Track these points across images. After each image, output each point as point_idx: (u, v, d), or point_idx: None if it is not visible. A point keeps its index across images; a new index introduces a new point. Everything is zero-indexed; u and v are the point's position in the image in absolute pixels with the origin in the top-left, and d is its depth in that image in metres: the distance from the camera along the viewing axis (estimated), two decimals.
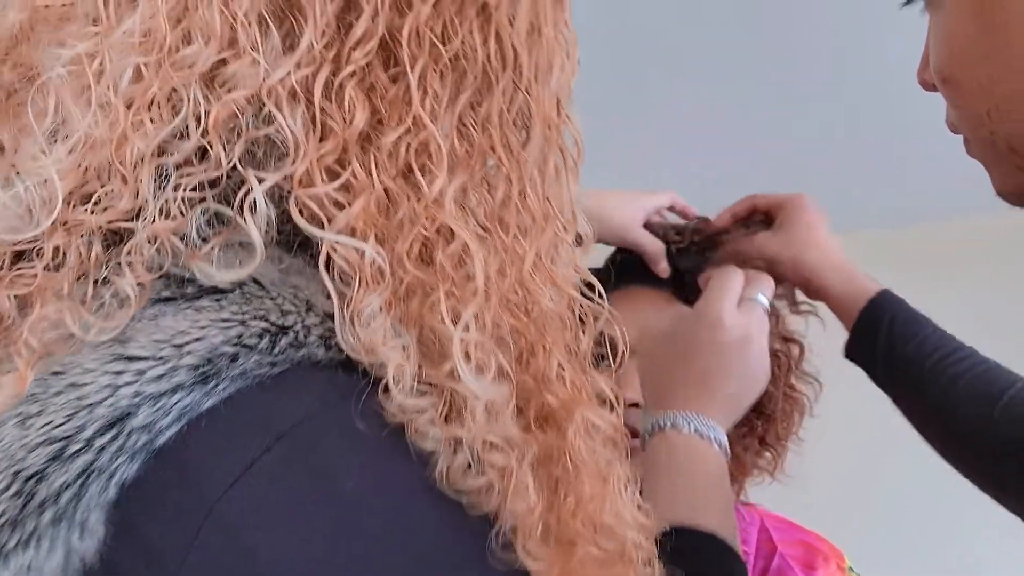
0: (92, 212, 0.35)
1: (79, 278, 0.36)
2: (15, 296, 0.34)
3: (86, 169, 0.36)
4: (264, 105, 0.37)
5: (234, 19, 0.37)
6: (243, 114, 0.37)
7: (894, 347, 0.78)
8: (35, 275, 0.34)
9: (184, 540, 0.32)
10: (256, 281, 0.37)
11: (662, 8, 1.64)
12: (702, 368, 0.65)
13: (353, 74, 0.38)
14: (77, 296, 0.35)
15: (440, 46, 0.39)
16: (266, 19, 0.38)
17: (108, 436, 0.32)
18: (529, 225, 0.41)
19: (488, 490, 0.37)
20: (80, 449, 0.32)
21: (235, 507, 0.32)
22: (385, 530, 0.34)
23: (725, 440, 0.62)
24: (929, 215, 2.35)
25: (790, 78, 1.87)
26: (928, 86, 0.62)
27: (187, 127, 0.37)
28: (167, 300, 0.36)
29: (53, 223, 0.35)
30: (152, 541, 0.32)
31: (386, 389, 0.36)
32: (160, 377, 0.33)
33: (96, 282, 0.35)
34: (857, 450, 2.11)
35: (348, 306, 0.36)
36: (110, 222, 0.36)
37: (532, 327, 0.41)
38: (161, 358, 0.34)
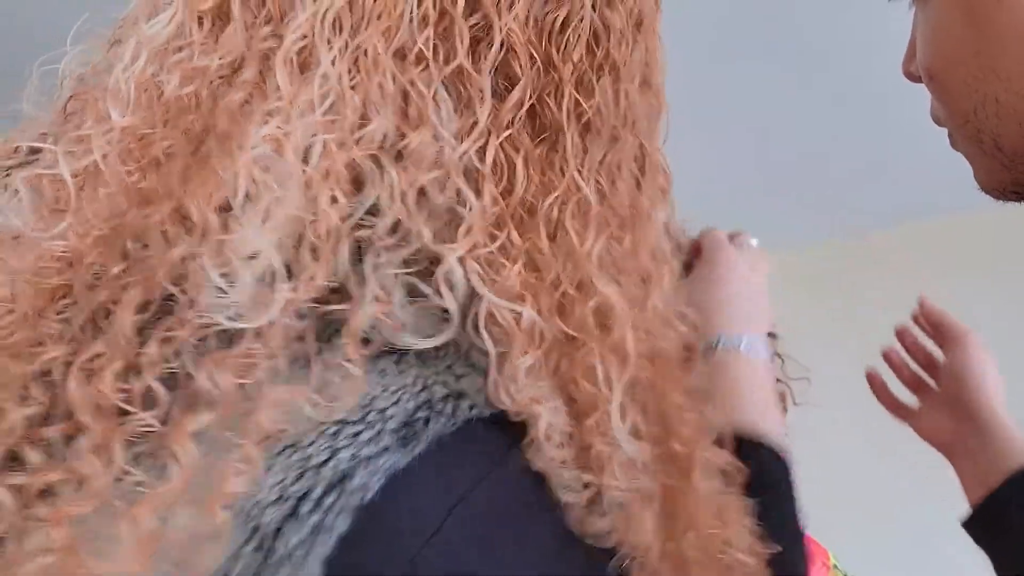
0: (294, 290, 0.36)
1: (291, 358, 0.36)
2: (237, 379, 0.35)
3: (282, 246, 0.36)
4: (447, 180, 0.38)
5: (409, 89, 0.38)
6: (430, 189, 0.38)
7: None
8: (257, 357, 0.35)
9: (405, 569, 0.34)
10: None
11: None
12: (727, 295, 0.68)
13: (509, 139, 0.39)
14: (299, 377, 0.36)
15: (582, 105, 0.40)
16: (440, 90, 0.38)
17: (332, 496, 0.34)
18: (651, 270, 0.43)
19: (611, 532, 0.39)
20: (312, 509, 0.34)
21: (431, 560, 0.34)
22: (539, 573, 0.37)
23: (762, 347, 0.66)
24: (923, 213, 2.35)
25: (794, 76, 1.87)
26: (913, 78, 0.62)
27: (380, 201, 0.37)
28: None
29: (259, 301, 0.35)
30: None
31: (531, 442, 0.37)
32: (370, 441, 0.35)
33: (315, 362, 0.36)
34: (843, 450, 2.11)
35: (503, 365, 0.37)
36: (311, 299, 0.36)
37: (658, 372, 0.42)
38: (369, 422, 0.36)
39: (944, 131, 0.61)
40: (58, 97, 0.42)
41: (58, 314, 0.37)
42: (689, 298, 0.68)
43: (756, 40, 1.67)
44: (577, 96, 0.40)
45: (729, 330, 0.66)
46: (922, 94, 0.61)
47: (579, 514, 0.38)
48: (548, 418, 0.37)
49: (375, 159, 0.38)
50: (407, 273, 0.38)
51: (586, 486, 0.38)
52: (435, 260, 0.38)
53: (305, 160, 0.36)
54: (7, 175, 0.40)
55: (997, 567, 0.69)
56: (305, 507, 0.34)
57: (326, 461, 0.35)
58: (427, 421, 0.37)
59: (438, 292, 0.37)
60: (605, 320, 0.39)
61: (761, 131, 1.84)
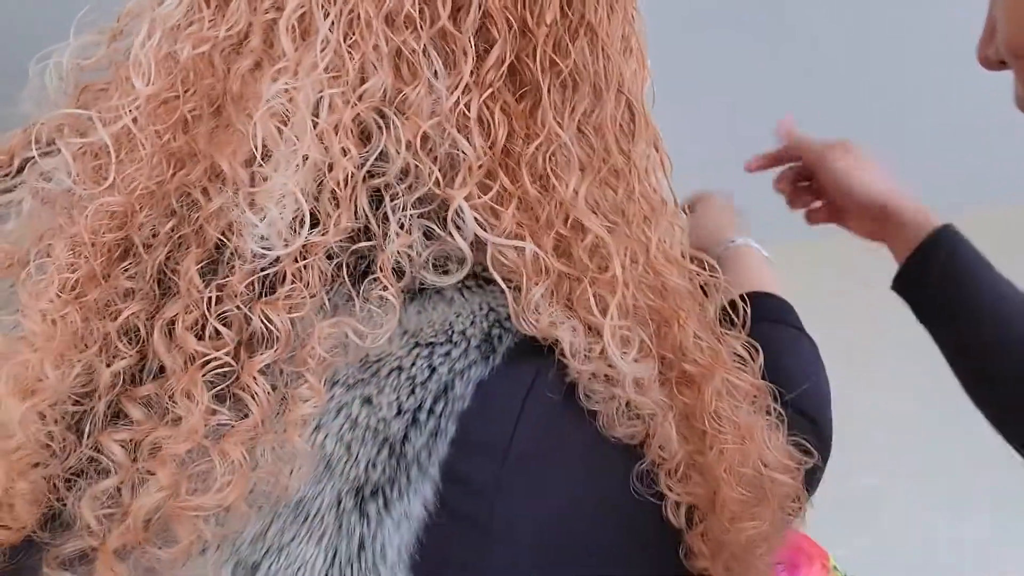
0: (323, 234, 0.40)
1: (330, 294, 0.41)
2: (290, 317, 0.39)
3: (306, 194, 0.40)
4: (445, 129, 0.42)
5: (403, 48, 0.42)
6: (433, 136, 0.42)
7: (955, 275, 0.76)
8: (303, 296, 0.39)
9: (495, 472, 0.40)
10: (481, 270, 0.43)
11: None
12: (725, 218, 0.83)
13: (491, 96, 0.43)
14: (342, 311, 0.41)
15: (559, 63, 0.44)
16: (428, 50, 0.42)
17: (440, 404, 0.40)
18: (647, 214, 0.47)
19: (636, 436, 0.44)
20: (427, 417, 0.39)
21: (521, 443, 0.40)
22: (580, 462, 0.44)
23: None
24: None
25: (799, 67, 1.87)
26: (991, 64, 0.60)
27: (388, 150, 0.41)
28: (410, 298, 0.42)
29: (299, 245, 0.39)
30: (472, 479, 0.39)
31: (562, 358, 0.42)
32: (460, 356, 0.41)
33: (356, 296, 0.41)
34: (840, 451, 2.11)
35: (519, 299, 0.42)
36: (337, 242, 0.40)
37: (665, 304, 0.46)
38: (455, 342, 0.41)
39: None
40: (63, 90, 0.45)
41: (124, 272, 0.41)
42: (698, 231, 0.82)
43: (729, 11, 1.67)
44: (553, 56, 0.44)
45: (736, 235, 0.79)
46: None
47: (608, 419, 0.43)
48: (569, 337, 0.42)
49: (378, 112, 0.42)
50: (421, 215, 0.42)
51: (610, 398, 0.43)
52: (443, 204, 0.42)
53: (315, 114, 0.40)
54: (34, 163, 0.43)
55: (920, 318, 0.81)
56: (422, 415, 0.39)
57: (429, 377, 0.40)
58: (500, 337, 0.42)
59: (450, 233, 0.41)
60: (599, 257, 0.43)
61: (732, 104, 1.84)
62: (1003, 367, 0.73)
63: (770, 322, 0.65)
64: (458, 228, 0.41)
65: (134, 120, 0.41)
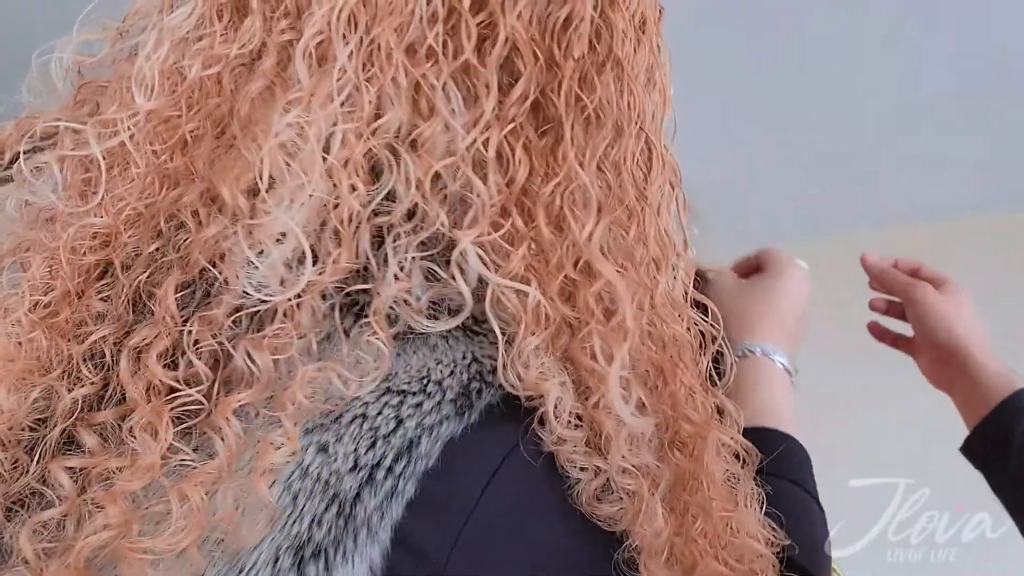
0: (320, 273, 0.38)
1: (319, 336, 0.39)
2: (273, 357, 0.37)
3: (307, 231, 0.38)
4: (459, 167, 0.40)
5: (422, 83, 0.40)
6: (444, 175, 0.40)
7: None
8: (291, 336, 0.37)
9: (448, 542, 0.36)
10: (468, 317, 0.40)
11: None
12: (780, 309, 0.72)
13: (513, 131, 0.41)
14: (329, 355, 0.38)
15: (584, 99, 0.42)
16: (450, 84, 0.40)
17: (402, 463, 0.36)
18: (657, 257, 0.44)
19: (621, 514, 0.40)
20: (386, 475, 0.36)
21: (480, 519, 0.37)
22: (547, 540, 0.40)
23: (788, 361, 0.71)
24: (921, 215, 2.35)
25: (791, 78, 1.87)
26: None
27: (396, 188, 0.39)
28: (391, 337, 0.39)
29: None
30: (422, 545, 0.36)
31: (541, 421, 0.39)
32: (432, 410, 0.38)
33: (344, 340, 0.38)
34: (840, 451, 2.11)
35: (511, 347, 0.39)
36: (336, 281, 0.39)
37: (666, 355, 0.43)
38: (428, 393, 0.38)
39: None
40: (62, 85, 0.43)
41: (99, 293, 0.39)
42: (745, 298, 0.74)
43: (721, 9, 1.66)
44: (579, 91, 0.42)
45: (756, 337, 0.70)
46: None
47: (589, 497, 0.40)
48: (556, 394, 0.39)
49: (391, 148, 0.40)
50: (424, 257, 0.40)
51: (596, 471, 0.40)
52: (449, 245, 0.40)
53: (326, 149, 0.38)
54: (28, 157, 0.41)
55: (993, 486, 0.76)
56: (379, 473, 0.36)
57: (394, 430, 0.37)
58: (479, 392, 0.39)
59: (452, 276, 0.39)
60: (608, 303, 0.41)
61: (727, 104, 1.84)
62: None
63: (788, 481, 0.59)
64: (461, 271, 0.39)
65: (131, 136, 0.39)
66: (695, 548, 0.42)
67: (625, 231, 0.44)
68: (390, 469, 0.36)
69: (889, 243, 2.41)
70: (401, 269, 0.39)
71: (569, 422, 0.39)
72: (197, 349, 0.37)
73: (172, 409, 0.36)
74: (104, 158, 0.39)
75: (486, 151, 0.40)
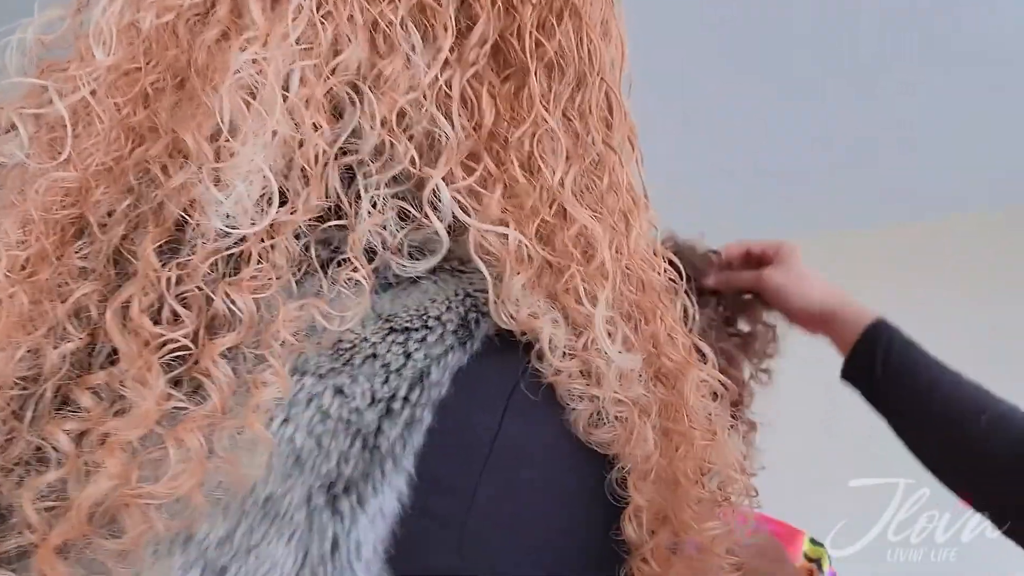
0: (291, 213, 0.38)
1: (298, 275, 0.39)
2: (254, 298, 0.37)
3: (275, 171, 0.38)
4: (423, 106, 0.40)
5: (380, 20, 0.40)
6: (410, 113, 0.40)
7: (893, 364, 0.85)
8: (260, 275, 0.38)
9: (474, 473, 0.38)
10: (453, 258, 0.41)
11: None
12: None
13: (475, 75, 0.41)
14: (310, 291, 0.39)
15: (545, 44, 0.43)
16: (407, 23, 0.41)
17: (416, 392, 0.38)
18: (628, 207, 0.46)
19: (614, 439, 0.42)
20: (402, 406, 0.37)
21: (504, 444, 0.38)
22: (559, 465, 0.42)
23: None
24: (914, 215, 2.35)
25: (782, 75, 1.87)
26: None
27: (361, 126, 0.40)
28: (383, 287, 0.40)
29: (266, 223, 0.38)
30: (446, 475, 0.38)
31: (539, 356, 0.40)
32: (436, 342, 0.39)
33: (324, 277, 0.39)
34: (841, 451, 2.11)
35: (499, 287, 0.40)
36: (306, 221, 0.39)
37: (646, 297, 0.45)
38: (430, 327, 0.39)
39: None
40: (24, 69, 0.43)
41: (78, 252, 0.39)
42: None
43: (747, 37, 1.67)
44: (539, 36, 0.43)
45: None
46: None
47: (585, 424, 0.41)
48: (549, 330, 0.40)
49: (353, 87, 0.40)
50: (395, 195, 0.40)
51: (590, 399, 0.41)
52: (420, 184, 0.40)
53: (285, 87, 0.38)
54: None
55: (868, 398, 0.89)
56: (396, 404, 0.37)
57: (404, 364, 0.38)
58: (477, 322, 0.40)
59: (426, 215, 0.40)
60: (585, 246, 0.42)
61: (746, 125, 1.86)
62: (936, 437, 0.86)
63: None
64: (435, 209, 0.40)
65: (92, 92, 0.39)
66: (678, 470, 0.43)
67: (597, 179, 0.45)
68: (406, 399, 0.37)
69: (884, 242, 2.42)
70: (374, 205, 0.39)
71: (564, 355, 0.41)
72: (181, 299, 0.37)
73: (161, 357, 0.36)
74: (68, 115, 0.39)
75: (450, 92, 0.41)
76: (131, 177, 0.39)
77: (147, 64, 0.40)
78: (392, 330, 0.39)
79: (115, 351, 0.37)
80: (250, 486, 0.36)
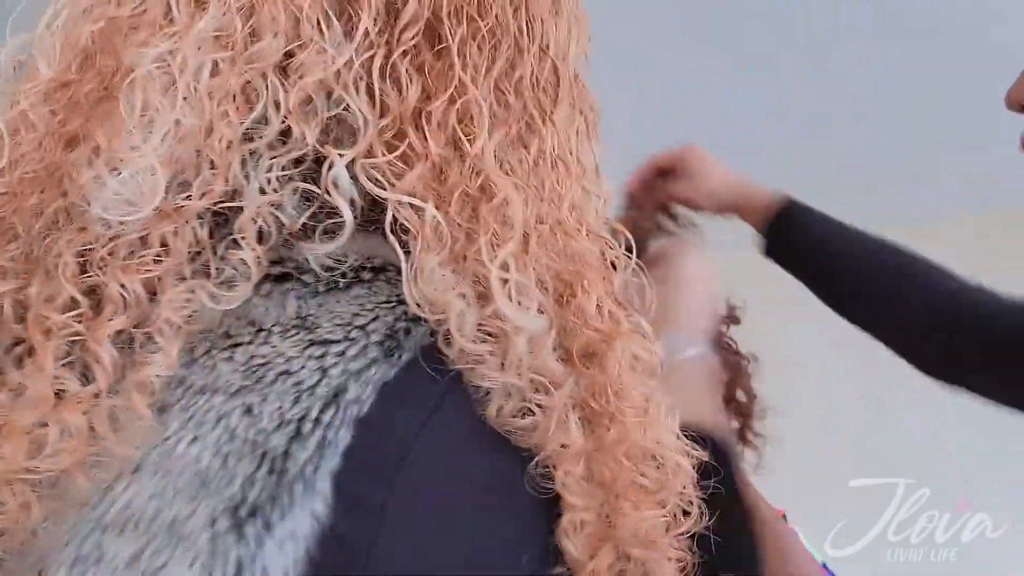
0: (191, 198, 0.38)
1: (193, 259, 0.39)
2: (143, 281, 0.38)
3: (178, 159, 0.38)
4: (333, 89, 0.40)
5: (298, 14, 0.41)
6: (316, 98, 0.41)
7: (814, 234, 0.91)
8: (157, 259, 0.38)
9: (385, 487, 0.36)
10: (390, 267, 0.41)
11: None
12: (686, 303, 0.78)
13: (405, 54, 0.42)
14: (200, 274, 0.39)
15: (478, 20, 0.43)
16: (327, 12, 0.41)
17: (330, 413, 0.37)
18: (563, 178, 0.45)
19: (533, 428, 0.40)
20: (313, 427, 0.36)
21: (416, 463, 0.37)
22: (486, 468, 0.41)
23: (687, 345, 0.74)
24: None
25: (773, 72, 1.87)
26: (1017, 107, 0.72)
27: (267, 113, 0.40)
28: (312, 293, 0.40)
29: (158, 209, 0.38)
30: (359, 492, 0.36)
31: (446, 339, 0.39)
32: (357, 356, 0.38)
33: (212, 258, 0.39)
34: (841, 451, 2.11)
35: (412, 264, 0.39)
36: (209, 206, 0.39)
37: (570, 267, 0.44)
38: (352, 339, 0.38)
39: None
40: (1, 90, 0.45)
41: (7, 254, 0.40)
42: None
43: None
44: (472, 12, 0.43)
45: (687, 337, 0.71)
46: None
47: (498, 411, 0.40)
48: (459, 307, 0.39)
49: (263, 76, 0.40)
50: (302, 177, 0.40)
51: (503, 385, 0.40)
52: (321, 163, 0.40)
53: (196, 79, 0.39)
54: None
55: (786, 266, 0.92)
56: (307, 427, 0.36)
57: (319, 381, 0.37)
58: (407, 331, 0.39)
59: (327, 192, 0.40)
60: (504, 215, 0.42)
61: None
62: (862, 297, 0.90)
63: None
64: (335, 185, 0.39)
65: (31, 104, 0.40)
66: (611, 459, 0.42)
67: (527, 149, 0.44)
68: (317, 420, 0.36)
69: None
70: (268, 184, 0.40)
71: (474, 338, 0.39)
72: (82, 285, 0.38)
73: (56, 343, 0.37)
74: (6, 127, 0.40)
75: (370, 72, 0.41)
76: (64, 182, 0.40)
77: (84, 75, 0.41)
78: (312, 343, 0.38)
79: (30, 346, 0.38)
80: (182, 516, 0.35)
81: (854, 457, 2.14)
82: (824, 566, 1.11)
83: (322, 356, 0.38)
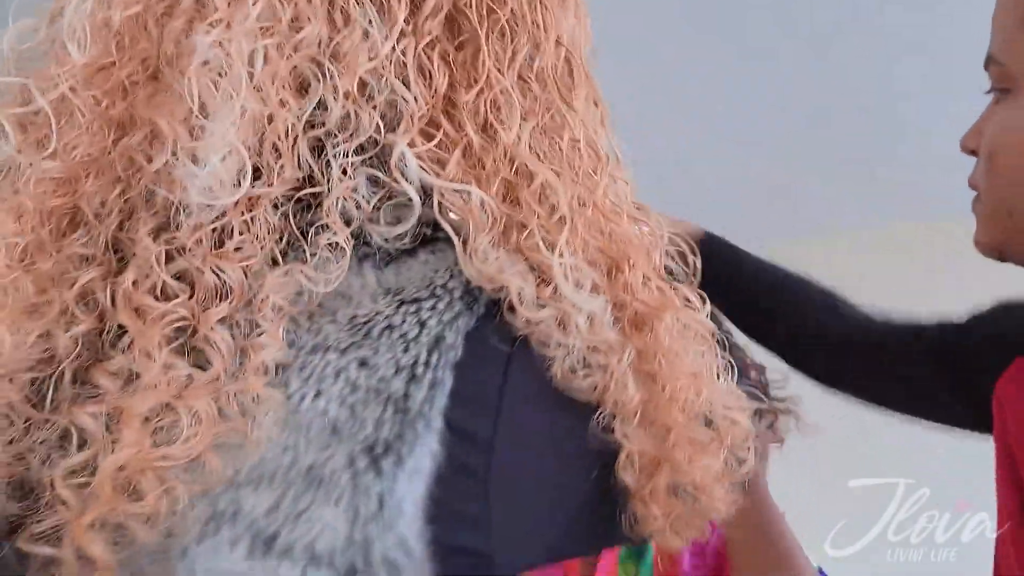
0: (266, 185, 0.40)
1: (281, 244, 0.41)
2: (241, 268, 0.40)
3: (247, 146, 0.40)
4: (381, 79, 0.42)
5: (334, 0, 0.42)
6: (370, 84, 0.42)
7: (729, 265, 0.99)
8: (243, 247, 0.40)
9: (490, 424, 0.40)
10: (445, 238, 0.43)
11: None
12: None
13: (430, 44, 0.43)
14: (293, 259, 0.41)
15: (496, 11, 0.45)
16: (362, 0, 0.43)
17: (435, 356, 0.40)
18: (594, 164, 0.47)
19: (593, 387, 0.44)
20: (424, 370, 0.40)
21: (510, 395, 0.41)
22: (558, 412, 0.44)
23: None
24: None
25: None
26: (967, 151, 0.77)
27: (326, 99, 0.41)
28: (385, 261, 0.43)
29: (240, 197, 0.40)
30: (468, 428, 0.40)
31: (510, 309, 0.42)
32: (446, 308, 0.41)
33: (304, 243, 0.41)
34: (841, 451, 2.11)
35: (467, 247, 0.42)
36: (283, 193, 0.41)
37: (615, 246, 0.46)
38: (437, 295, 0.42)
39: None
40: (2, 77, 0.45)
41: (78, 241, 0.41)
42: None
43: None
44: (490, 4, 0.45)
45: None
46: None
47: (562, 371, 0.43)
48: (517, 283, 0.42)
49: (314, 62, 0.42)
50: (364, 162, 0.42)
51: (565, 347, 0.43)
52: (385, 151, 0.42)
53: (251, 66, 0.40)
54: None
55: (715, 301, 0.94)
56: (419, 369, 0.40)
57: (420, 332, 0.41)
58: (481, 288, 0.42)
59: (395, 179, 0.42)
60: (547, 201, 0.44)
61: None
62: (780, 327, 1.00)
63: None
64: (403, 174, 0.42)
65: (71, 88, 0.41)
66: (667, 414, 0.44)
67: (558, 138, 0.46)
68: (427, 363, 0.40)
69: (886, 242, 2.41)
70: (344, 172, 0.42)
71: (534, 305, 0.42)
72: (174, 274, 0.39)
73: (163, 330, 0.38)
74: (51, 110, 0.41)
75: (406, 61, 0.43)
76: (118, 167, 0.41)
77: (121, 58, 0.42)
78: (403, 302, 0.42)
79: (123, 331, 0.39)
80: (318, 461, 0.38)
81: (854, 457, 2.14)
82: (820, 570, 1.11)
83: (417, 311, 0.41)
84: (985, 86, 0.77)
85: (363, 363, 0.40)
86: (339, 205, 0.41)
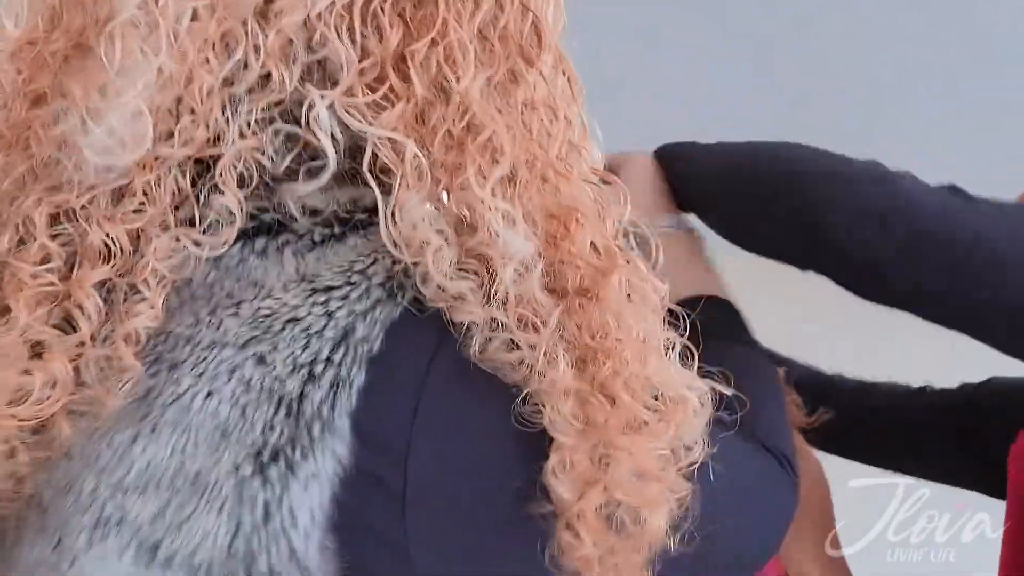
0: (174, 146, 0.39)
1: (177, 207, 0.40)
2: (127, 231, 0.38)
3: (159, 107, 0.38)
4: (314, 33, 0.41)
5: None
6: (296, 41, 0.41)
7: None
8: (142, 209, 0.38)
9: (406, 430, 0.37)
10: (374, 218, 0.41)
11: None
12: (654, 188, 0.82)
13: (385, 0, 0.42)
14: (184, 223, 0.39)
15: None
16: None
17: (340, 352, 0.37)
18: (551, 126, 0.45)
19: (519, 362, 0.41)
20: (324, 367, 0.37)
21: (432, 396, 0.38)
22: (490, 401, 0.41)
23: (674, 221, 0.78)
24: None
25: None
26: None
27: (248, 59, 0.40)
28: (308, 247, 0.40)
29: (144, 157, 0.38)
30: (379, 431, 0.38)
31: (423, 278, 0.40)
32: (360, 297, 0.39)
33: (196, 206, 0.39)
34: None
35: (392, 203, 0.40)
36: (192, 154, 0.39)
37: (562, 204, 0.44)
38: (353, 283, 0.39)
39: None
40: None
41: None
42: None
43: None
44: None
45: (665, 214, 0.75)
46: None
47: (487, 347, 0.41)
48: (437, 241, 0.40)
49: (244, 22, 0.41)
50: (277, 117, 0.41)
51: (489, 322, 0.40)
52: (300, 104, 0.41)
53: (177, 24, 0.39)
54: None
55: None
56: (318, 368, 0.37)
57: (326, 325, 0.38)
58: (406, 272, 0.40)
59: (311, 132, 0.41)
60: (491, 151, 0.42)
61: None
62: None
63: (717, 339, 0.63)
64: (316, 124, 0.40)
65: None
66: (606, 399, 0.41)
67: (512, 94, 0.44)
68: (328, 360, 0.37)
69: None
70: (248, 127, 0.40)
71: (453, 275, 0.40)
72: (55, 236, 0.38)
73: (32, 293, 0.37)
74: None
75: (351, 16, 0.41)
76: (30, 140, 0.40)
77: (52, 32, 0.41)
78: (314, 291, 0.39)
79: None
80: (113, 413, 0.36)
81: None
82: None
83: (326, 301, 0.38)
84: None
85: (261, 360, 0.38)
86: (238, 165, 0.40)
